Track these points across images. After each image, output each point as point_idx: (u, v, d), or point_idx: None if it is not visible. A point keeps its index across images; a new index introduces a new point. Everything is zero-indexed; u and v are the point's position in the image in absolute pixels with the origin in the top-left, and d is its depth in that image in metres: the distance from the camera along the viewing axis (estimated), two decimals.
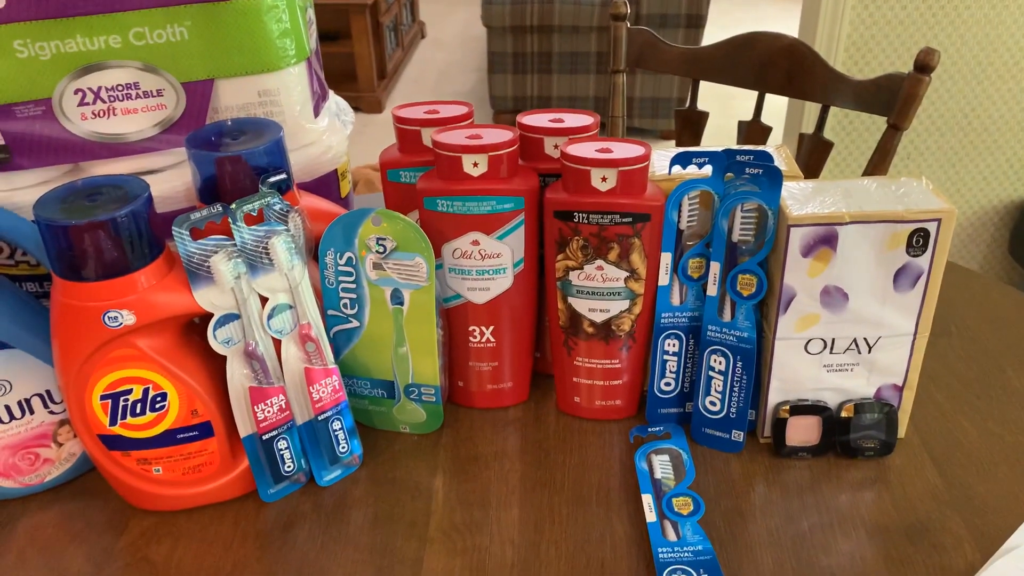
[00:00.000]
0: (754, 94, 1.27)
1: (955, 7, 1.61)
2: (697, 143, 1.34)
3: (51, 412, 0.61)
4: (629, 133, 2.93)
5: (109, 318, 0.53)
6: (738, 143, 1.31)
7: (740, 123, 1.31)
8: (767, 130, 1.29)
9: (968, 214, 1.86)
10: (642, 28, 1.29)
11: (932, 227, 0.57)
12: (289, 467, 0.61)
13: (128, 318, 0.53)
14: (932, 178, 1.81)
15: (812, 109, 1.79)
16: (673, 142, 1.56)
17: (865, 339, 0.61)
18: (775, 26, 2.83)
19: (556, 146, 0.64)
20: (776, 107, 1.78)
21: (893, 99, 1.11)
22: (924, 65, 1.09)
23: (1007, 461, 0.63)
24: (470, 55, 4.05)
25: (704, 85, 1.31)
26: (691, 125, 1.33)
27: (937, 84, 1.71)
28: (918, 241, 0.57)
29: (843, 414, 0.63)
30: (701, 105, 1.32)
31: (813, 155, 1.24)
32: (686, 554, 0.55)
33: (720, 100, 1.82)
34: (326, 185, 0.70)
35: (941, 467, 0.63)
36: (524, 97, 3.08)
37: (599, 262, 0.61)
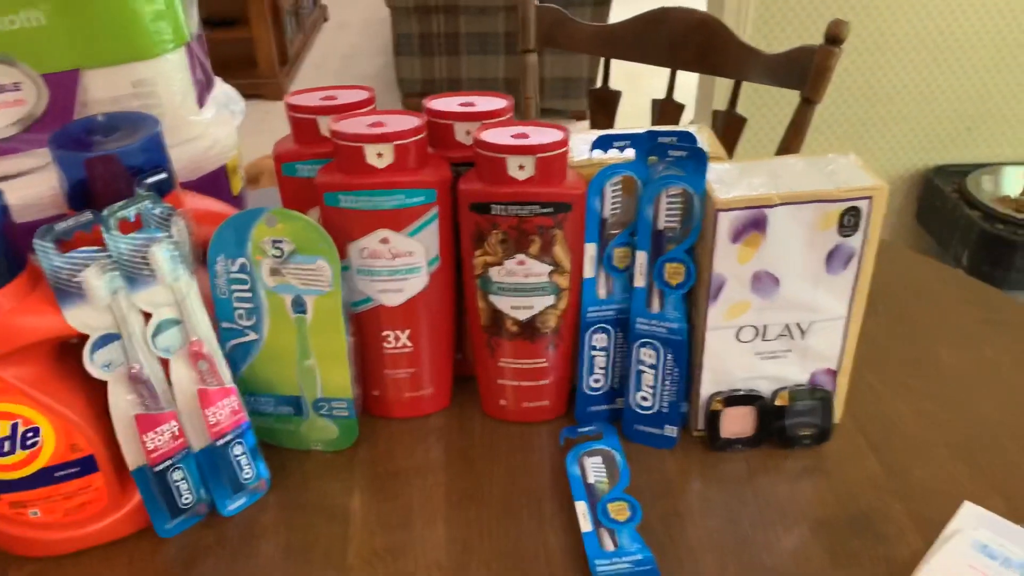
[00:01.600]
0: (665, 72, 1.24)
1: None
2: (611, 124, 1.32)
3: None
4: (541, 115, 2.89)
5: None
6: (652, 122, 1.28)
7: (653, 101, 1.29)
8: (680, 108, 1.27)
9: None
10: (551, 6, 1.25)
11: (864, 205, 0.54)
12: (187, 499, 0.55)
13: None
14: (840, 148, 1.83)
15: (723, 85, 1.78)
16: (587, 123, 1.52)
17: (798, 324, 0.58)
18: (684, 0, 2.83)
19: (468, 132, 0.59)
20: (687, 84, 1.77)
21: (805, 72, 1.10)
22: (835, 37, 1.08)
23: (943, 441, 0.62)
24: (375, 38, 3.94)
25: (616, 63, 1.28)
26: (605, 105, 1.30)
27: (841, 56, 1.72)
28: (850, 220, 0.55)
29: (777, 402, 0.60)
30: (614, 84, 1.29)
31: (727, 132, 1.23)
32: (625, 565, 0.51)
33: (632, 78, 1.80)
34: (214, 183, 0.64)
35: (878, 452, 0.61)
36: (433, 80, 3.01)
37: (520, 256, 0.57)
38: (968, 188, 1.76)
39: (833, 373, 0.61)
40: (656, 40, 1.21)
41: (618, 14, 1.34)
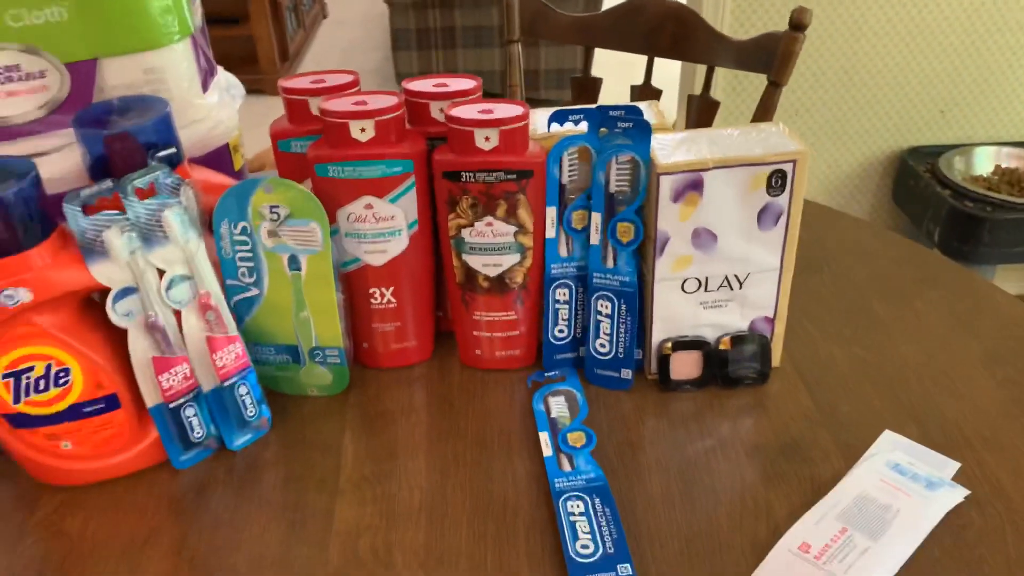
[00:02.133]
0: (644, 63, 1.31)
1: None
2: None
3: None
4: (537, 104, 2.96)
5: (5, 296, 0.54)
6: None
7: (632, 87, 1.36)
8: (658, 93, 1.34)
9: (854, 165, 1.96)
10: None
11: (788, 168, 0.62)
12: (198, 434, 0.62)
13: (25, 295, 0.54)
14: (818, 131, 1.90)
15: (702, 71, 1.86)
16: None
17: (736, 276, 0.66)
18: None
19: (441, 110, 0.67)
20: (672, 71, 1.84)
21: (772, 57, 1.17)
22: (798, 23, 1.15)
23: (870, 380, 0.69)
24: (374, 33, 4.01)
25: (606, 54, 1.35)
26: (586, 91, 1.38)
27: (818, 42, 1.79)
28: (776, 182, 0.62)
29: (721, 347, 0.68)
30: (604, 72, 1.36)
31: (702, 115, 1.30)
32: (580, 482, 0.59)
33: (621, 67, 1.87)
34: (219, 159, 0.71)
35: (812, 391, 0.69)
36: (430, 73, 3.08)
37: (488, 219, 0.65)
38: (940, 168, 1.83)
39: (770, 320, 0.68)
40: (633, 29, 1.29)
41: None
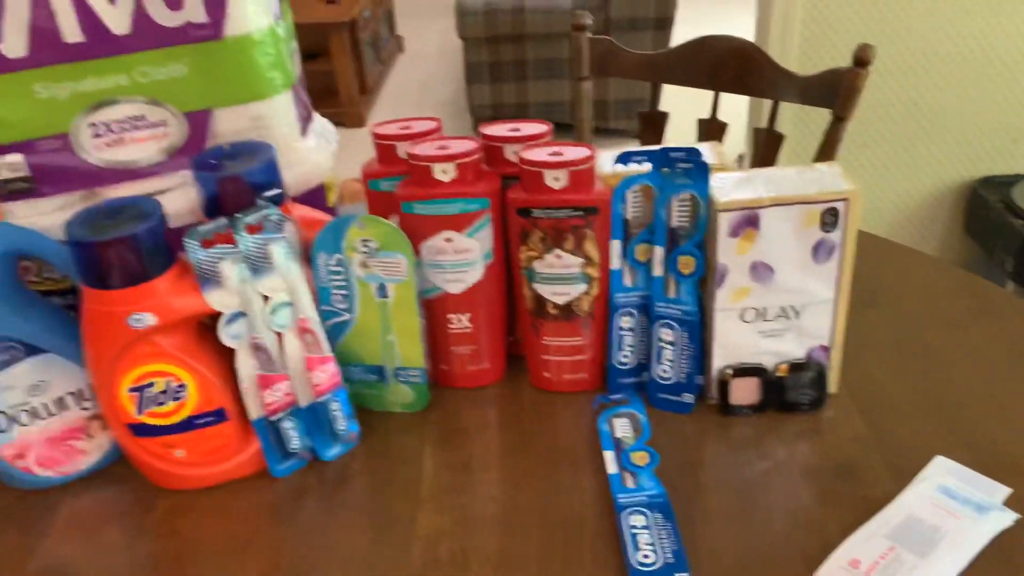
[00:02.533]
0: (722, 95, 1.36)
1: (899, 3, 1.71)
2: (659, 141, 1.44)
3: (83, 408, 0.70)
4: (604, 134, 3.02)
5: (133, 320, 0.61)
6: (697, 140, 1.40)
7: (699, 121, 1.41)
8: (724, 126, 1.38)
9: (924, 196, 1.95)
10: (602, 37, 1.38)
11: (841, 206, 0.66)
12: (295, 445, 0.69)
13: (150, 319, 0.62)
14: (886, 163, 1.91)
15: (769, 105, 1.89)
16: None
17: (792, 307, 0.70)
18: (742, 23, 2.92)
19: (515, 152, 0.73)
20: (740, 105, 1.88)
21: (836, 93, 1.21)
22: (861, 60, 1.18)
23: (924, 408, 0.72)
24: (448, 67, 4.14)
25: (672, 87, 1.39)
26: (653, 125, 1.43)
27: (885, 75, 1.80)
28: (830, 219, 0.66)
29: (779, 374, 0.72)
30: (672, 105, 1.41)
31: (767, 147, 1.34)
32: (642, 498, 0.64)
33: (689, 100, 1.91)
34: (314, 197, 0.79)
35: (867, 417, 0.72)
36: (502, 105, 3.17)
37: (557, 251, 0.70)
38: (1014, 198, 1.81)
39: (826, 349, 0.72)
40: (698, 65, 1.33)
41: (683, 37, 1.45)
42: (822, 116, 1.77)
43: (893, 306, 0.85)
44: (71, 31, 0.67)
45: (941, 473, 0.65)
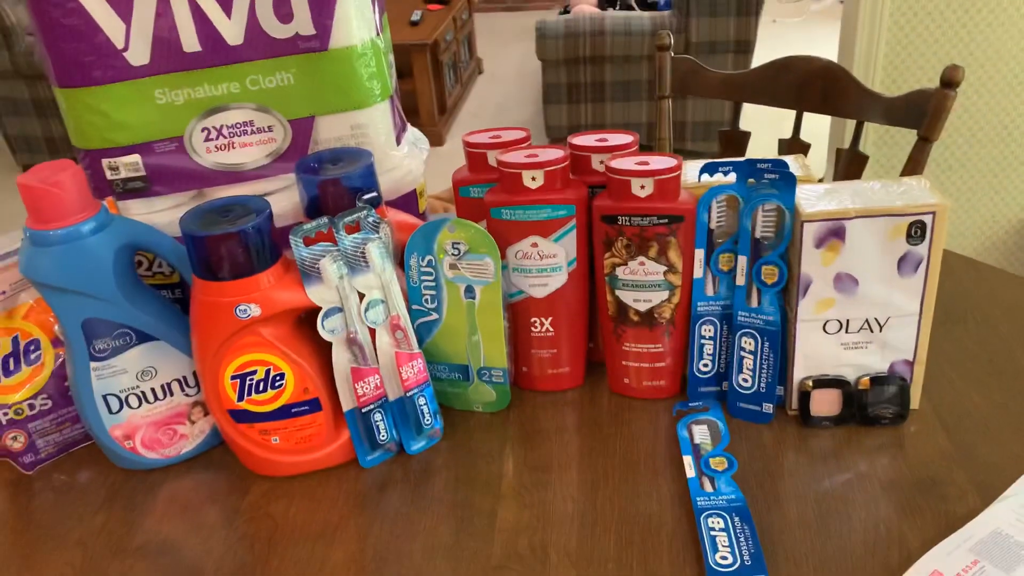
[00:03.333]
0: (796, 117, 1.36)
1: (988, 24, 1.68)
2: None
3: (186, 395, 0.74)
4: (683, 156, 3.02)
5: (240, 310, 0.65)
6: None
7: (780, 141, 1.41)
8: (806, 147, 1.38)
9: (1013, 221, 1.90)
10: (685, 56, 1.39)
11: (928, 219, 0.66)
12: (383, 437, 0.72)
13: (255, 310, 0.66)
14: (975, 188, 1.86)
15: (851, 126, 1.87)
16: None
17: (876, 319, 0.70)
18: (824, 46, 2.89)
19: (601, 161, 0.75)
20: (820, 127, 1.86)
21: (922, 113, 1.20)
22: (950, 81, 1.17)
23: (1011, 426, 0.71)
24: (526, 88, 4.20)
25: (754, 107, 1.40)
26: (734, 144, 1.43)
27: (975, 98, 1.77)
28: (916, 232, 0.66)
29: (860, 387, 0.72)
30: (750, 126, 1.41)
31: (850, 168, 1.33)
32: (721, 502, 0.64)
33: (769, 121, 1.90)
34: (407, 202, 0.82)
35: (951, 433, 0.71)
36: (578, 126, 3.20)
37: (641, 258, 0.72)
38: None
39: (910, 364, 0.72)
40: (782, 85, 1.34)
41: (762, 60, 1.45)
42: (906, 138, 1.75)
43: (981, 324, 0.84)
44: (190, 41, 0.72)
45: None
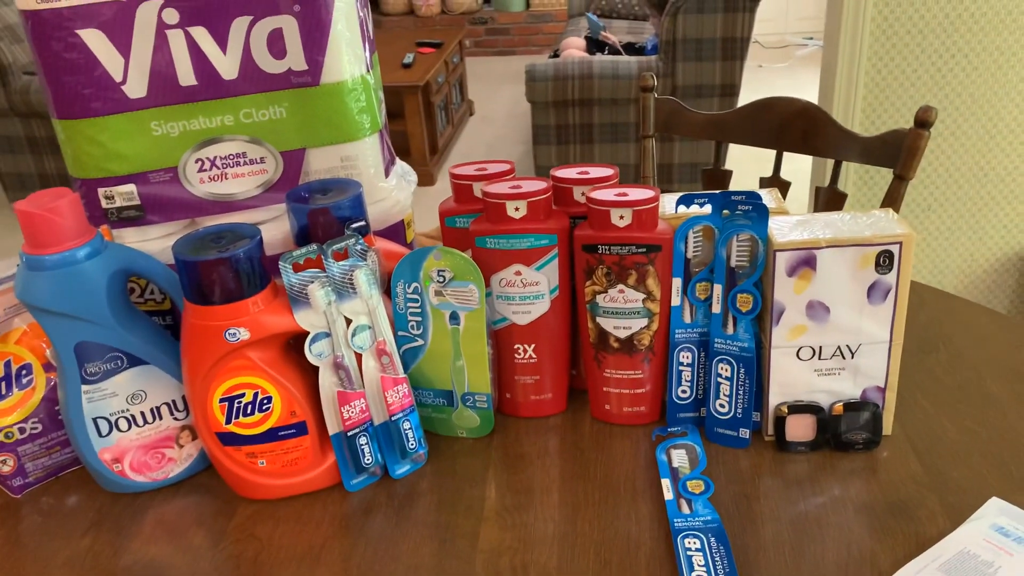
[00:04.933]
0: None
1: (963, 68, 1.73)
2: None
3: (175, 419, 0.75)
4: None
5: (229, 334, 0.67)
6: None
7: (761, 179, 1.44)
8: (786, 185, 1.41)
9: (992, 261, 1.94)
10: (669, 97, 1.43)
11: (895, 248, 0.68)
12: (368, 460, 0.73)
13: (244, 334, 0.67)
14: (952, 227, 1.90)
15: (832, 164, 1.91)
16: None
17: (848, 346, 0.72)
18: (808, 90, 2.96)
19: (583, 193, 0.77)
20: (801, 166, 1.91)
21: (897, 152, 1.23)
22: (923, 121, 1.21)
23: (980, 451, 0.73)
24: (516, 130, 4.26)
25: (738, 148, 1.44)
26: (716, 182, 1.47)
27: (951, 139, 1.82)
28: (885, 261, 0.69)
29: (834, 413, 0.73)
30: (736, 166, 1.45)
31: (829, 205, 1.36)
32: (697, 523, 0.66)
33: (752, 161, 1.95)
34: (395, 232, 0.84)
35: (922, 458, 0.73)
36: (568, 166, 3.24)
37: (620, 286, 0.74)
38: None
39: (882, 390, 0.74)
40: (763, 125, 1.38)
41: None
42: (884, 178, 1.80)
43: (954, 355, 0.87)
44: (186, 76, 0.75)
45: (996, 513, 0.66)
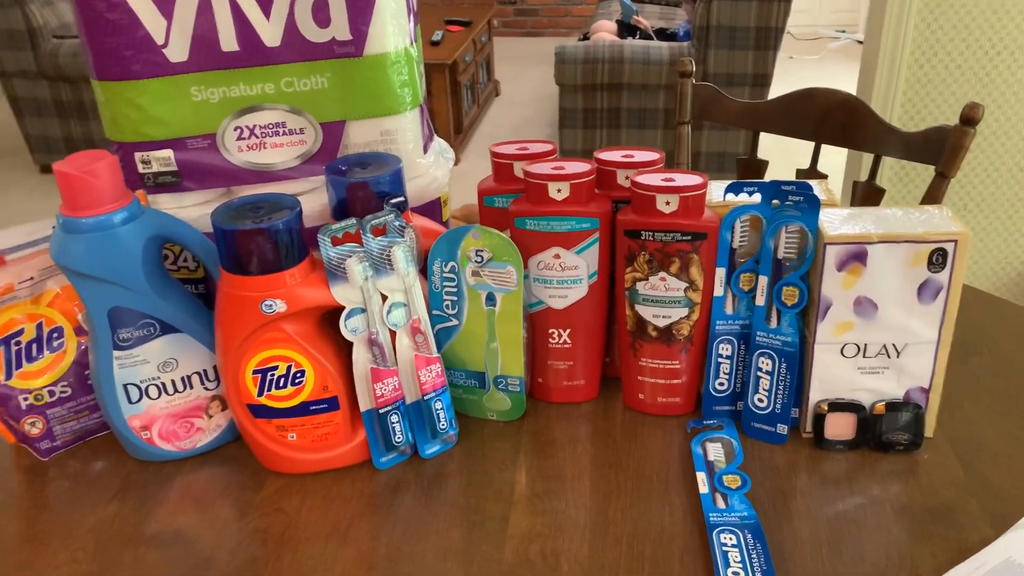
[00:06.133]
0: (811, 149, 1.37)
1: (1008, 66, 1.69)
2: None
3: (206, 388, 0.75)
4: None
5: (265, 305, 0.66)
6: None
7: (798, 171, 1.42)
8: (823, 178, 1.39)
9: None
10: (706, 84, 1.41)
11: (950, 247, 0.66)
12: (399, 439, 0.72)
13: (280, 306, 0.66)
14: (991, 227, 1.87)
15: (868, 159, 1.88)
16: None
17: (894, 345, 0.70)
18: (839, 84, 2.92)
19: (627, 177, 0.76)
20: (835, 160, 1.88)
21: (940, 149, 1.20)
22: (969, 118, 1.18)
23: None
24: (541, 112, 4.23)
25: (769, 139, 1.41)
26: (751, 172, 1.44)
27: (992, 138, 1.78)
28: (938, 259, 0.67)
29: (875, 412, 0.72)
30: (765, 157, 1.42)
31: (866, 201, 1.34)
32: (733, 518, 0.65)
33: (783, 152, 1.92)
34: (431, 209, 0.83)
35: (964, 462, 0.71)
36: (593, 151, 3.22)
37: (662, 274, 0.72)
38: None
39: (926, 391, 0.72)
40: (802, 116, 1.35)
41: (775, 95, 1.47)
42: (920, 175, 1.77)
43: (998, 357, 0.85)
44: (228, 41, 0.74)
45: None
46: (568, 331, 0.77)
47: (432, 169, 0.84)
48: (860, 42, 5.19)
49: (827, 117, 1.33)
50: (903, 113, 1.78)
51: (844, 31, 5.37)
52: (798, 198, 0.69)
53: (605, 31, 3.59)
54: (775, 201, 0.70)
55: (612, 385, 0.82)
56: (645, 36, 3.55)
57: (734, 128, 2.99)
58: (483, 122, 4.14)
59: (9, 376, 0.74)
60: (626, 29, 3.63)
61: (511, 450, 0.75)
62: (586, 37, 3.58)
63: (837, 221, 0.69)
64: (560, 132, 3.22)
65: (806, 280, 0.70)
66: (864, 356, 0.71)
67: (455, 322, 0.75)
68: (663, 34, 3.56)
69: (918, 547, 0.63)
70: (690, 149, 1.44)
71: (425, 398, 0.72)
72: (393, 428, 0.72)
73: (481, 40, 4.09)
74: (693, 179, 0.71)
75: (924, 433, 0.72)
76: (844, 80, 4.38)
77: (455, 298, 0.75)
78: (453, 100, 3.62)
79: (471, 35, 3.83)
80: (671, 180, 0.71)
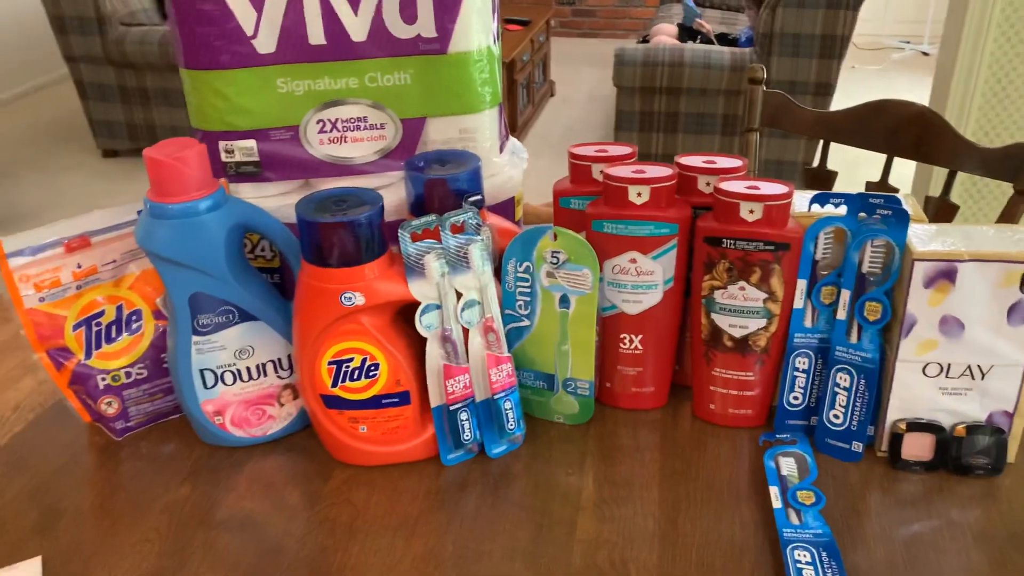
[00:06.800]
0: (879, 162, 1.34)
1: None
2: None
3: (279, 377, 0.75)
4: None
5: (345, 298, 0.67)
6: None
7: (868, 183, 1.39)
8: (894, 192, 1.36)
9: None
10: (777, 91, 1.39)
11: None
12: (467, 436, 0.72)
13: (359, 299, 0.67)
14: None
15: (939, 174, 1.83)
16: None
17: (979, 366, 0.68)
18: (902, 95, 2.86)
19: (708, 183, 0.75)
20: (903, 172, 1.84)
21: (1020, 166, 1.17)
22: None
23: None
24: (596, 114, 4.21)
25: (834, 150, 1.39)
26: (819, 183, 1.42)
27: None
28: None
29: (955, 434, 0.70)
30: (832, 167, 1.40)
31: (938, 217, 1.30)
32: (808, 535, 0.63)
33: (843, 163, 1.89)
34: (505, 209, 0.83)
35: None
36: (648, 155, 3.20)
37: (742, 283, 0.71)
38: None
39: (1010, 415, 0.70)
40: (875, 128, 1.32)
41: (838, 106, 1.45)
42: (992, 192, 1.72)
43: None
44: (316, 34, 0.74)
45: None
46: (640, 337, 0.77)
47: (507, 168, 0.84)
48: (925, 53, 5.08)
49: (901, 130, 1.30)
50: (977, 128, 1.73)
51: (908, 42, 5.26)
52: (886, 212, 0.67)
53: (665, 34, 3.56)
54: (862, 214, 0.69)
55: (681, 393, 0.81)
56: (706, 40, 3.51)
57: (794, 136, 2.95)
58: (537, 122, 4.14)
59: (89, 356, 0.75)
60: (687, 33, 3.60)
61: (577, 454, 0.75)
62: (645, 40, 3.56)
63: (926, 237, 0.67)
64: (615, 134, 3.20)
65: (890, 296, 0.69)
66: (947, 376, 0.69)
67: (527, 323, 0.75)
68: (724, 39, 3.52)
69: (997, 574, 0.62)
70: (758, 156, 1.42)
71: (495, 397, 0.72)
72: (462, 425, 0.72)
73: (539, 40, 4.09)
74: (778, 188, 0.70)
75: (1006, 458, 0.70)
76: (908, 92, 4.29)
77: (528, 298, 0.74)
78: (509, 99, 3.62)
79: (529, 34, 3.83)
80: (755, 188, 0.70)
